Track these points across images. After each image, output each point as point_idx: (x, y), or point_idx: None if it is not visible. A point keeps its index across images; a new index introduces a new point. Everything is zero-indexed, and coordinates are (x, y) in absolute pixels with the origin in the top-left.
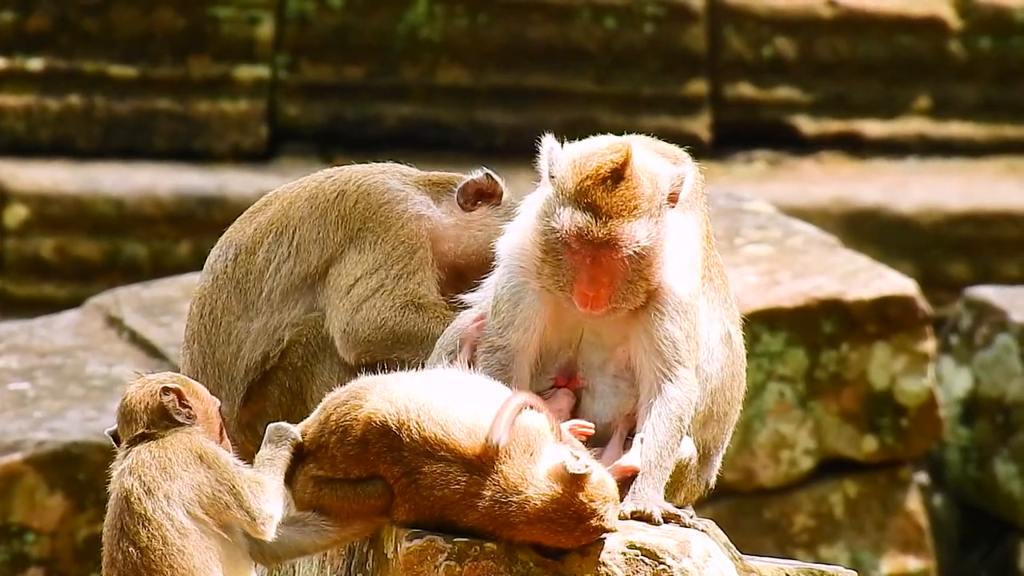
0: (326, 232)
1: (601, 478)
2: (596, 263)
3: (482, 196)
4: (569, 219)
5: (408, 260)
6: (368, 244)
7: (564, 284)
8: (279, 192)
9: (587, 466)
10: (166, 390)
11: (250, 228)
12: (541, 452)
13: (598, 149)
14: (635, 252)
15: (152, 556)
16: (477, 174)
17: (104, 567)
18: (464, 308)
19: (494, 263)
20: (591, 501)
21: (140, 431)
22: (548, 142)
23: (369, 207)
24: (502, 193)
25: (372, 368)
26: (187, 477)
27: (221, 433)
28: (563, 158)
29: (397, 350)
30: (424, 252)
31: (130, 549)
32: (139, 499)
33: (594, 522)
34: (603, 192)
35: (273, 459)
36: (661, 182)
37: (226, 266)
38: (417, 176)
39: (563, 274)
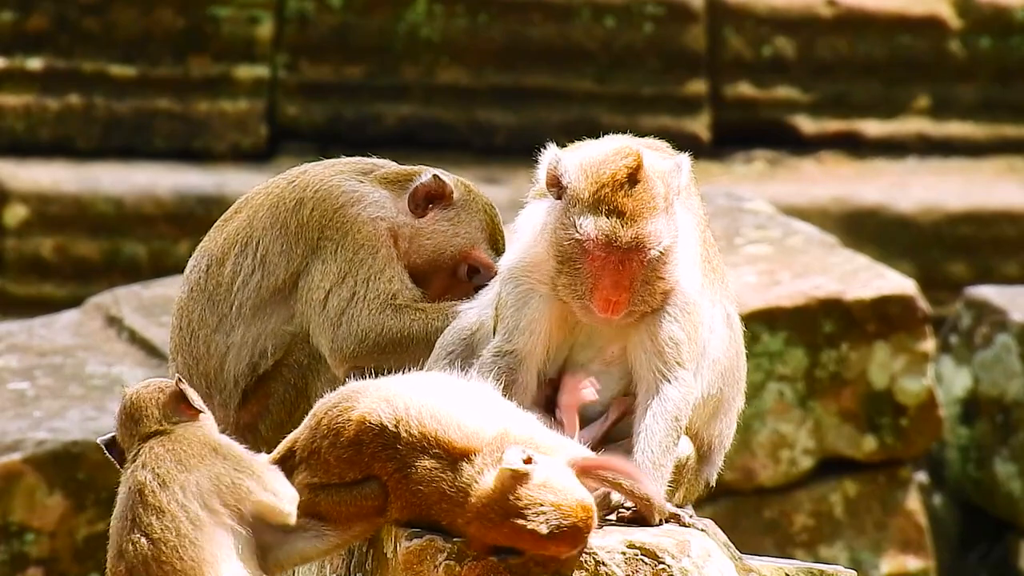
0: (288, 244)
1: (545, 482)
2: (619, 268)
3: (432, 199)
4: (594, 227)
5: (372, 261)
6: (329, 253)
7: (583, 292)
8: (249, 196)
9: (528, 464)
10: (181, 380)
11: (220, 238)
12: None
13: (607, 154)
14: (659, 252)
15: (164, 547)
16: (425, 176)
17: (110, 560)
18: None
19: (445, 268)
20: (519, 500)
21: (153, 428)
22: (551, 151)
23: (324, 214)
24: (452, 193)
25: (363, 372)
26: (204, 469)
27: None
28: (572, 167)
29: (386, 357)
30: (387, 250)
31: (141, 540)
32: (153, 491)
33: (519, 521)
34: (623, 197)
35: None
36: (669, 178)
37: (199, 278)
38: (382, 172)
39: (581, 282)
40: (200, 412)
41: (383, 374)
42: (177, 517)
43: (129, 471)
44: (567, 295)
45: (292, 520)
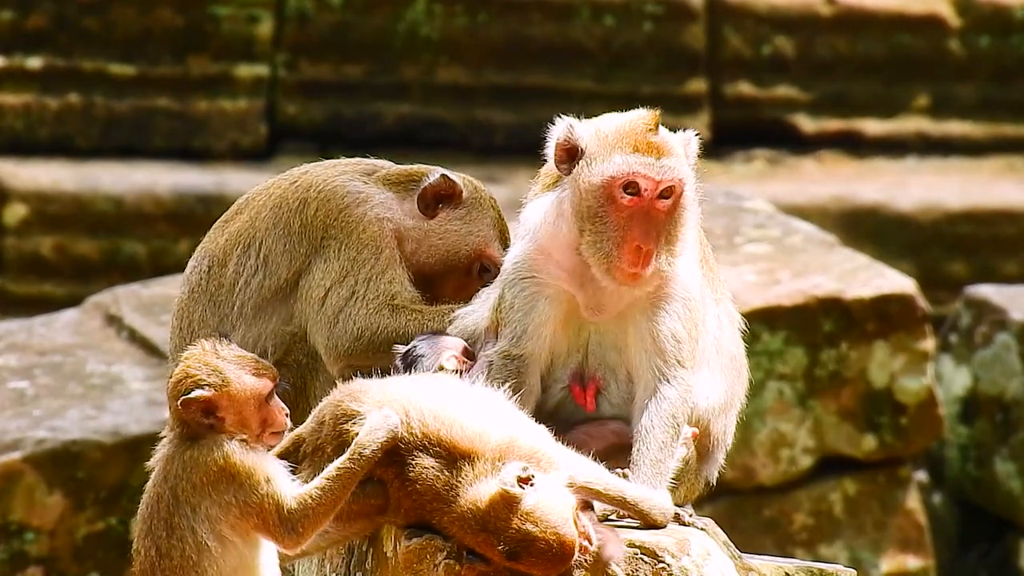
0: (291, 244)
1: (532, 510)
2: (647, 216)
3: (441, 199)
4: (624, 162)
5: (375, 261)
6: (332, 252)
7: (610, 247)
8: (250, 197)
9: (526, 484)
10: (187, 403)
11: (221, 239)
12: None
13: (624, 116)
14: (686, 193)
15: (169, 563)
16: (433, 176)
17: (134, 546)
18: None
19: (460, 267)
20: (500, 518)
21: (176, 429)
22: (564, 121)
23: (329, 214)
24: (461, 192)
25: (367, 371)
26: (216, 497)
27: (263, 424)
28: (588, 132)
29: (380, 357)
30: (390, 252)
31: (152, 549)
32: (168, 507)
33: (492, 537)
34: (649, 137)
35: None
36: (686, 142)
37: (200, 279)
38: (384, 172)
39: (608, 237)
40: (209, 432)
41: (380, 374)
42: (184, 539)
43: (155, 460)
44: (593, 254)
45: (294, 552)
